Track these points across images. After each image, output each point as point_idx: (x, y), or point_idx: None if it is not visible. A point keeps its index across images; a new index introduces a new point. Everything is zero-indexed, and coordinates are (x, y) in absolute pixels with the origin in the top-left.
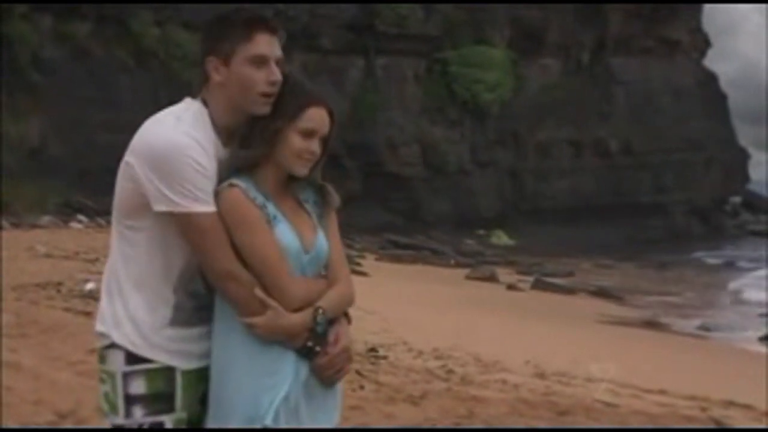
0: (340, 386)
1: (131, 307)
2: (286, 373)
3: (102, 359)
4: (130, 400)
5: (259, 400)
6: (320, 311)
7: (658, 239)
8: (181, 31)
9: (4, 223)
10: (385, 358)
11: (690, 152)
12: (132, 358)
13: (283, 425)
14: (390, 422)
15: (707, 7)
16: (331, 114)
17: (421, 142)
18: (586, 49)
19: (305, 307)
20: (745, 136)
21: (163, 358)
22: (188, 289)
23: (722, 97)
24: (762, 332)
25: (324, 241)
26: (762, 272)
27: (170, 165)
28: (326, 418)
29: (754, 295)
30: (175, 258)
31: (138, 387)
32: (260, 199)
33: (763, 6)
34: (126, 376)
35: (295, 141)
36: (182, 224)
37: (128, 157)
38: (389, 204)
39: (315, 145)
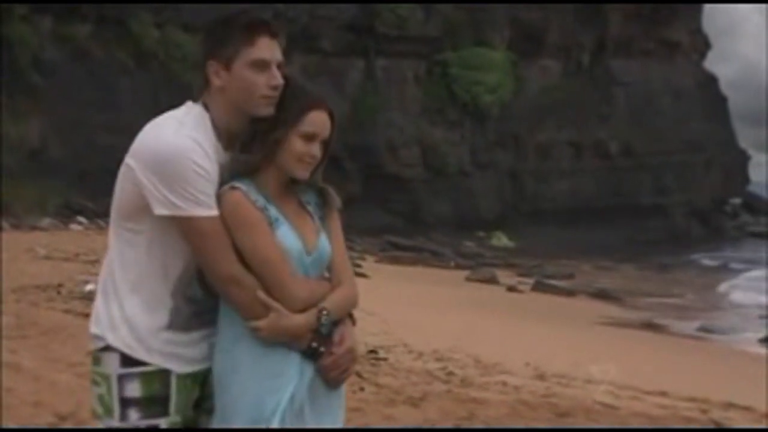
0: (343, 387)
1: (127, 309)
2: (290, 374)
3: (96, 361)
4: (125, 403)
5: (263, 401)
6: (324, 312)
7: (658, 241)
8: (181, 32)
9: (4, 225)
10: (385, 359)
11: (690, 154)
12: (127, 360)
13: (287, 426)
14: (390, 424)
15: (707, 9)
16: (331, 116)
17: (421, 144)
18: (586, 50)
19: (309, 309)
20: (745, 137)
21: (158, 361)
22: (186, 293)
23: (722, 99)
24: (762, 334)
25: (326, 242)
26: (753, 273)
27: (172, 168)
28: (330, 419)
29: (740, 296)
30: (174, 261)
31: (133, 390)
32: (262, 201)
33: (763, 7)
34: (121, 378)
35: (297, 145)
36: (184, 228)
37: (129, 159)
38: (389, 205)
39: (316, 149)
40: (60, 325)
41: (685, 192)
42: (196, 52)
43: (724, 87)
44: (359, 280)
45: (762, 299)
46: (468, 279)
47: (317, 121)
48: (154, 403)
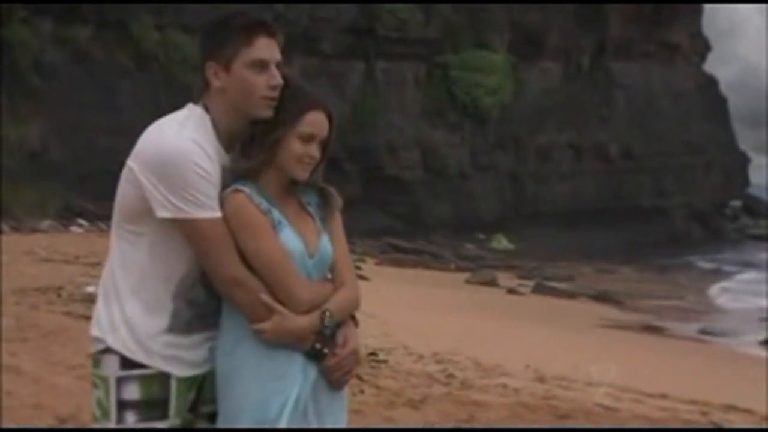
0: (345, 389)
1: (128, 311)
2: (294, 376)
3: (96, 363)
4: (122, 405)
5: (268, 402)
6: (328, 314)
7: (658, 243)
8: (182, 34)
9: (5, 227)
10: (385, 362)
11: (690, 156)
12: (127, 363)
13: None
14: (390, 426)
15: (707, 11)
16: (329, 117)
17: (421, 146)
18: (587, 53)
19: (312, 311)
20: (745, 139)
21: (159, 365)
22: (188, 296)
23: (722, 101)
24: (762, 336)
25: (328, 244)
26: (745, 276)
27: (174, 171)
28: (332, 421)
29: (728, 299)
30: (177, 264)
31: (131, 392)
32: (265, 204)
33: (763, 9)
34: (120, 381)
35: (295, 146)
36: (187, 230)
37: (131, 162)
38: (389, 208)
39: (314, 149)
40: (60, 328)
41: (685, 194)
42: (196, 55)
43: (724, 89)
44: (359, 283)
45: (758, 301)
46: (468, 281)
47: (315, 121)
48: (153, 406)
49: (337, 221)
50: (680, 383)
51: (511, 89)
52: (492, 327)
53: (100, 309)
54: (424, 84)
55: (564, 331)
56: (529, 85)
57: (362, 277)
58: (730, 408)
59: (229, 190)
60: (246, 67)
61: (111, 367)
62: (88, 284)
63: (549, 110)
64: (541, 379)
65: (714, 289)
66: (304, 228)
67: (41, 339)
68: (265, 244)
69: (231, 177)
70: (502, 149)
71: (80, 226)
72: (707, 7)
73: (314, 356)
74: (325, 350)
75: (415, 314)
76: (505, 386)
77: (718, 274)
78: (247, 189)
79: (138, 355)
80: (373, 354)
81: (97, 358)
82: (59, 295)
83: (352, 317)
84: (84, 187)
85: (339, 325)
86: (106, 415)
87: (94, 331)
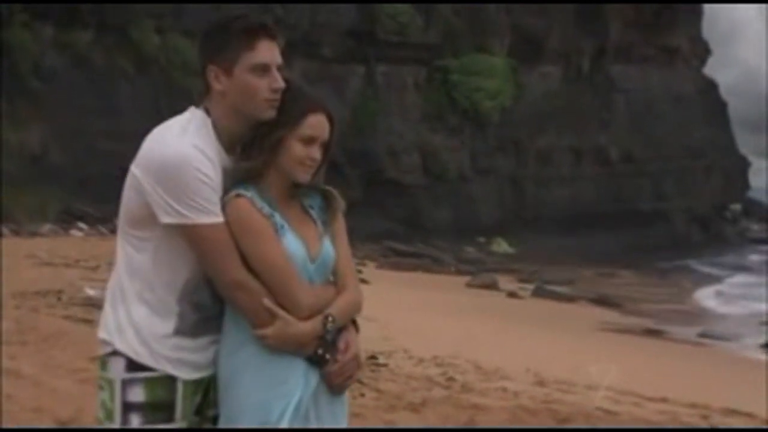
0: (346, 394)
1: (134, 315)
2: (296, 381)
3: (103, 366)
4: (127, 407)
5: (270, 405)
6: (330, 319)
7: (659, 247)
8: (182, 38)
9: (5, 231)
10: (385, 365)
11: (690, 160)
12: (133, 365)
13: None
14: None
15: (707, 15)
16: (330, 119)
17: (421, 150)
18: (587, 56)
19: (314, 315)
20: (745, 143)
21: (166, 368)
22: (193, 299)
23: (722, 105)
24: (762, 340)
25: (330, 248)
26: (736, 279)
27: (177, 177)
28: (334, 425)
29: (716, 302)
30: (181, 268)
31: (136, 395)
32: (267, 209)
33: (763, 13)
34: (125, 383)
35: (296, 148)
36: (190, 236)
37: (134, 168)
38: (389, 211)
39: (316, 152)
40: (60, 331)
41: (685, 198)
42: (196, 58)
43: (724, 93)
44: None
45: (757, 305)
46: (468, 285)
47: (316, 124)
48: (158, 408)
49: (340, 224)
50: (680, 387)
51: (511, 93)
52: (492, 330)
53: (107, 312)
54: (425, 88)
55: (564, 335)
56: (529, 88)
57: (363, 281)
58: (731, 411)
59: (231, 194)
60: (248, 70)
61: (117, 370)
62: (88, 288)
63: (549, 114)
64: (541, 383)
65: (710, 292)
66: (305, 232)
67: (41, 342)
68: (268, 249)
69: (232, 179)
70: (503, 153)
71: (80, 229)
72: (707, 10)
73: (316, 362)
74: (327, 356)
75: (415, 318)
76: (505, 389)
77: (717, 278)
78: (249, 193)
79: (144, 358)
80: (373, 357)
81: (104, 361)
82: (59, 299)
83: (354, 322)
84: (84, 191)
85: (340, 329)
86: (110, 417)
87: (102, 334)
